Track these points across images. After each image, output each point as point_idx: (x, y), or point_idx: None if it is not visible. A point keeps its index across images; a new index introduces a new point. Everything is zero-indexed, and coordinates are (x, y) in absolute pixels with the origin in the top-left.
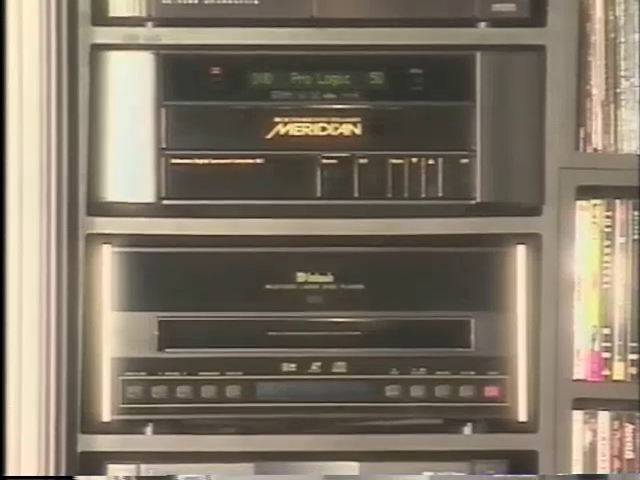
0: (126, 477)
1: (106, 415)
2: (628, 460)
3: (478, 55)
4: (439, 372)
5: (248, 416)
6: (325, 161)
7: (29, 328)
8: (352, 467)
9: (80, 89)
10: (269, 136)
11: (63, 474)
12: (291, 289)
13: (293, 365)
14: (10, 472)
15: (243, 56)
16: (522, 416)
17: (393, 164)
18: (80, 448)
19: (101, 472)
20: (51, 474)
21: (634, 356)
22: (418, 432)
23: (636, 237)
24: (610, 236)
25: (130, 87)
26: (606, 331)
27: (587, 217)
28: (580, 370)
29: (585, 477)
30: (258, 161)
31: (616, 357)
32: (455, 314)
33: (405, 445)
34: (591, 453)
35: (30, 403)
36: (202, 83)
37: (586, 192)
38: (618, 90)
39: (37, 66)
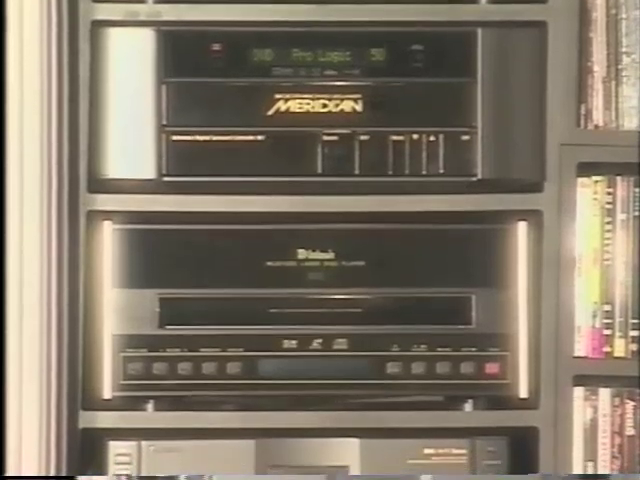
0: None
1: (107, 392)
2: (629, 436)
3: (479, 31)
4: (440, 349)
5: (249, 393)
6: (326, 138)
7: (30, 305)
8: (352, 444)
9: (81, 65)
10: (270, 113)
11: (64, 451)
12: (292, 266)
13: (294, 342)
14: (11, 452)
15: (244, 33)
16: (523, 393)
17: (394, 141)
18: (81, 425)
19: (102, 449)
20: (52, 452)
21: (635, 333)
22: (419, 409)
23: (637, 214)
24: (611, 213)
25: (131, 63)
26: (607, 308)
27: (588, 194)
28: (581, 347)
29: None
30: (259, 138)
31: (617, 334)
32: (456, 291)
33: (406, 422)
34: (592, 430)
35: (31, 380)
36: (203, 60)
37: (587, 169)
38: (619, 66)
39: (37, 43)
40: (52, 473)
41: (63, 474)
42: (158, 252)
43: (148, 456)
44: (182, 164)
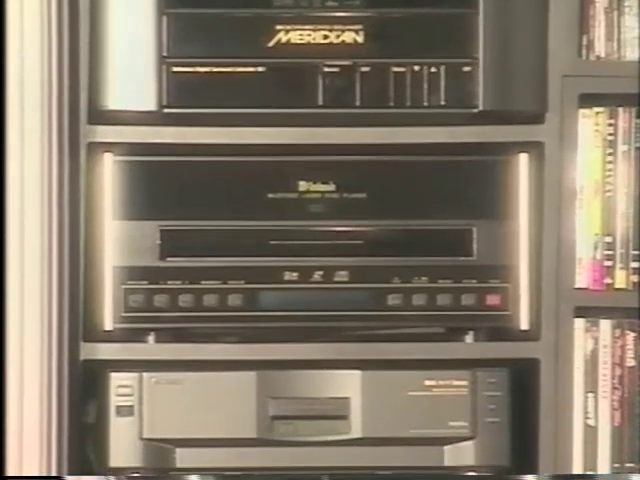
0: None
1: (108, 324)
2: (629, 367)
3: None
4: (441, 280)
5: (250, 325)
6: (327, 69)
7: (31, 237)
8: (354, 375)
9: None
10: (271, 44)
11: (66, 382)
12: (293, 198)
13: (295, 274)
14: (11, 383)
15: None
16: (524, 324)
17: (395, 72)
18: (83, 356)
19: (104, 380)
20: (54, 383)
21: (636, 264)
22: (420, 340)
23: (638, 145)
24: (612, 144)
25: None
26: (608, 239)
27: (590, 125)
28: (582, 278)
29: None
30: (260, 69)
31: (618, 265)
32: (457, 222)
33: (407, 353)
34: (592, 361)
35: (32, 312)
36: None
37: (589, 100)
38: None
39: None
40: (54, 405)
41: (65, 404)
42: (159, 184)
43: (149, 388)
44: (183, 96)
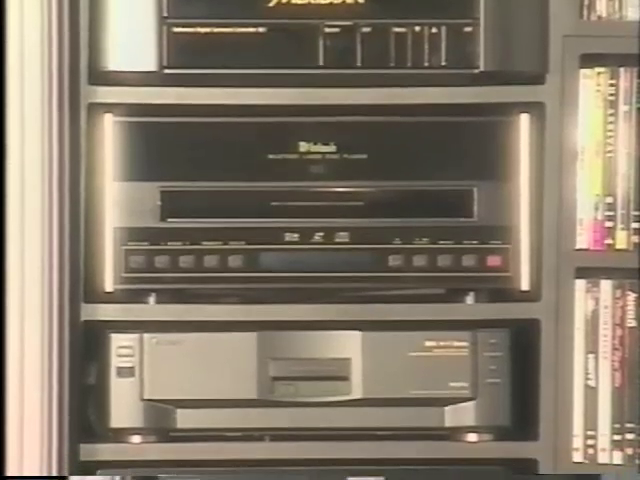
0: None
1: (109, 285)
2: (630, 328)
3: None
4: (442, 242)
5: (250, 286)
6: (328, 30)
7: (31, 198)
8: (354, 336)
9: None
10: (271, 4)
11: (67, 343)
12: (294, 159)
13: (296, 235)
14: (12, 348)
15: None
16: (524, 285)
17: (396, 33)
18: (83, 317)
19: (104, 341)
20: (55, 344)
21: (636, 225)
22: (421, 301)
23: None
24: (614, 104)
25: None
26: (609, 200)
27: (591, 85)
28: (583, 239)
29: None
30: (260, 30)
31: (619, 226)
32: (458, 183)
33: (407, 314)
34: (593, 322)
35: (33, 273)
36: None
37: (590, 60)
38: None
39: None
40: (55, 366)
41: (66, 365)
42: (159, 145)
43: (150, 348)
44: (183, 56)
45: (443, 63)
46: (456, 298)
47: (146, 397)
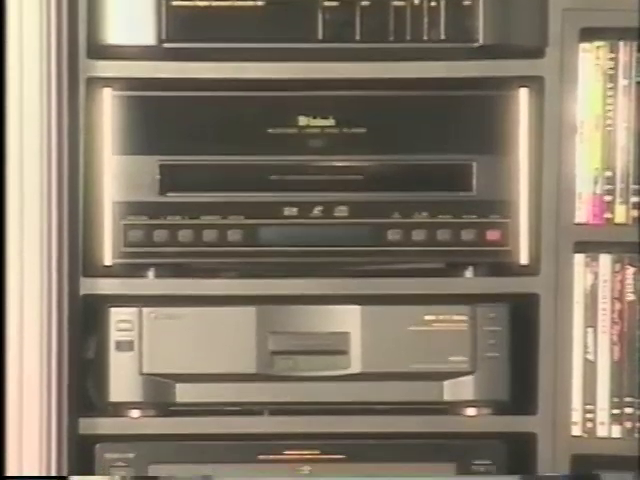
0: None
1: (108, 259)
2: (629, 302)
3: None
4: (441, 216)
5: (249, 260)
6: (327, 3)
7: (30, 171)
8: (353, 310)
9: None
10: None
11: (65, 316)
12: (293, 133)
13: (295, 209)
14: (11, 322)
15: None
16: (523, 259)
17: (395, 6)
18: (82, 291)
19: (103, 315)
20: (54, 316)
21: (636, 199)
22: (420, 276)
23: (639, 79)
24: (613, 78)
25: None
26: (608, 174)
27: (590, 59)
28: (582, 213)
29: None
30: (259, 3)
31: (618, 200)
32: (457, 157)
33: (407, 288)
34: (592, 296)
35: (32, 248)
36: None
37: (589, 34)
38: None
39: None
40: (54, 340)
41: (65, 339)
42: (158, 119)
43: (149, 322)
44: (182, 30)
45: (442, 37)
46: (455, 272)
47: (145, 371)
